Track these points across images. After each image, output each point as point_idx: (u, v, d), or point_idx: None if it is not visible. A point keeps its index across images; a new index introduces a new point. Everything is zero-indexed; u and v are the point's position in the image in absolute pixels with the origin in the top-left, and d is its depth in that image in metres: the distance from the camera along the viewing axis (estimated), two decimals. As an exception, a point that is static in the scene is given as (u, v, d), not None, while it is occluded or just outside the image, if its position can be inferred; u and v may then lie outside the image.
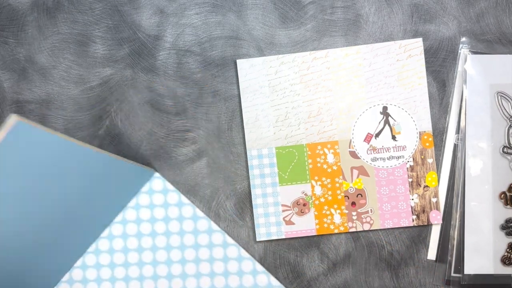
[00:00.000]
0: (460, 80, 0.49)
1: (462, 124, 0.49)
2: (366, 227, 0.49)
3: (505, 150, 0.48)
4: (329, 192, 0.49)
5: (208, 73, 0.50)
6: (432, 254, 0.50)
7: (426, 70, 0.49)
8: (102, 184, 0.42)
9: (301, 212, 0.49)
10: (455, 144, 0.50)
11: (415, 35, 0.50)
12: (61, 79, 0.51)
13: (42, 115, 0.51)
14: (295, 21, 0.50)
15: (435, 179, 0.49)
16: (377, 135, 0.49)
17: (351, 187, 0.50)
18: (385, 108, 0.49)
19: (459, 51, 0.50)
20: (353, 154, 0.50)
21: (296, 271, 0.50)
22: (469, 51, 0.49)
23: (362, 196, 0.49)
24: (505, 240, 0.48)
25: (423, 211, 0.49)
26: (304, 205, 0.49)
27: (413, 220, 0.49)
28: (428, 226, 0.50)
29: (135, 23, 0.50)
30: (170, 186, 0.50)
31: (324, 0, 0.50)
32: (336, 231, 0.49)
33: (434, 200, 0.49)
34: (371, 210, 0.49)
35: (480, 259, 0.48)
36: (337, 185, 0.50)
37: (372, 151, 0.49)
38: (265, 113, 0.50)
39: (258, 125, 0.50)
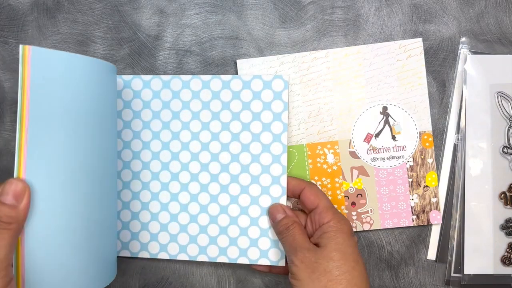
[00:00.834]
0: (460, 80, 0.49)
1: (462, 124, 0.49)
2: (366, 227, 0.49)
3: (505, 150, 0.48)
4: (329, 192, 0.49)
5: (208, 73, 0.50)
6: (432, 254, 0.50)
7: (426, 70, 0.49)
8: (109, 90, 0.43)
9: (301, 212, 0.49)
10: (455, 144, 0.50)
11: (415, 35, 0.50)
12: (61, 79, 0.51)
13: (42, 115, 0.51)
14: (295, 21, 0.50)
15: (435, 179, 0.49)
16: (377, 135, 0.49)
17: (351, 187, 0.50)
18: (385, 108, 0.49)
19: (459, 51, 0.50)
20: (353, 154, 0.50)
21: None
22: (469, 51, 0.49)
23: (362, 196, 0.49)
24: (505, 240, 0.48)
25: (423, 211, 0.49)
26: (304, 205, 0.49)
27: (413, 220, 0.49)
28: (428, 226, 0.50)
29: (135, 23, 0.50)
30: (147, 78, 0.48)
31: (324, 0, 0.50)
32: (336, 231, 0.49)
33: (434, 200, 0.49)
34: (371, 210, 0.49)
35: (480, 259, 0.48)
36: (337, 185, 0.50)
37: (372, 151, 0.49)
38: (265, 113, 0.50)
39: (258, 125, 0.50)
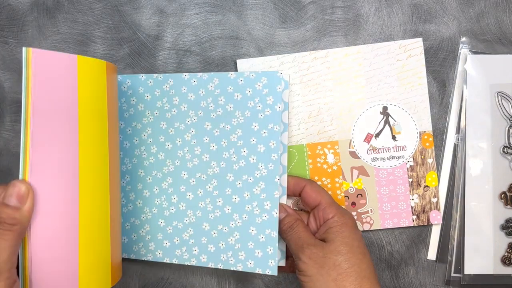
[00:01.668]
0: (460, 80, 0.49)
1: (462, 124, 0.49)
2: (366, 227, 0.49)
3: (505, 150, 0.48)
4: (329, 192, 0.49)
5: (208, 73, 0.50)
6: (432, 254, 0.50)
7: (426, 70, 0.49)
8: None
9: (301, 212, 0.49)
10: (455, 144, 0.50)
11: (415, 35, 0.50)
12: (61, 79, 0.51)
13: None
14: (295, 21, 0.50)
15: (435, 179, 0.49)
16: (377, 135, 0.49)
17: (351, 187, 0.50)
18: (385, 108, 0.49)
19: (459, 51, 0.50)
20: (353, 154, 0.49)
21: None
22: (469, 51, 0.49)
23: (362, 196, 0.49)
24: (505, 240, 0.48)
25: (423, 211, 0.49)
26: (304, 205, 0.49)
27: (413, 220, 0.49)
28: (428, 226, 0.50)
29: (135, 23, 0.50)
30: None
31: (324, 0, 0.50)
32: (336, 231, 0.49)
33: (434, 200, 0.49)
34: (371, 210, 0.49)
35: (480, 259, 0.48)
36: (337, 185, 0.50)
37: (372, 151, 0.49)
38: (265, 113, 0.50)
39: (258, 125, 0.50)
